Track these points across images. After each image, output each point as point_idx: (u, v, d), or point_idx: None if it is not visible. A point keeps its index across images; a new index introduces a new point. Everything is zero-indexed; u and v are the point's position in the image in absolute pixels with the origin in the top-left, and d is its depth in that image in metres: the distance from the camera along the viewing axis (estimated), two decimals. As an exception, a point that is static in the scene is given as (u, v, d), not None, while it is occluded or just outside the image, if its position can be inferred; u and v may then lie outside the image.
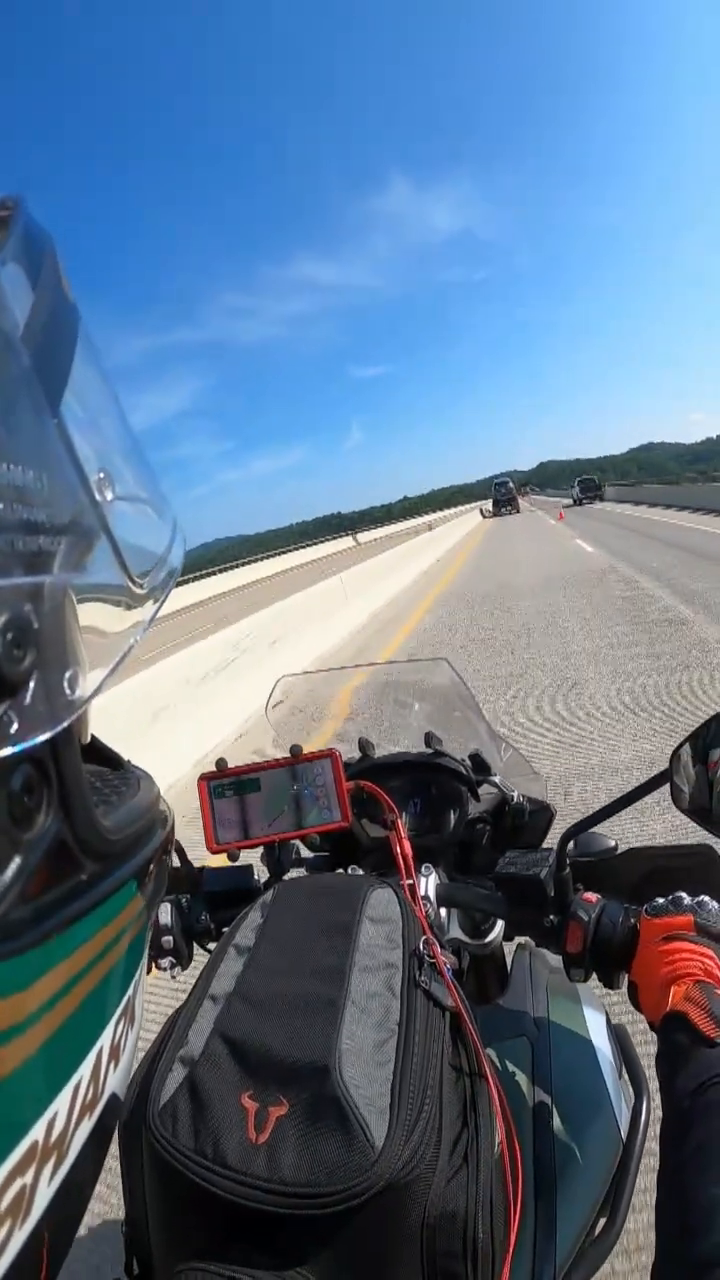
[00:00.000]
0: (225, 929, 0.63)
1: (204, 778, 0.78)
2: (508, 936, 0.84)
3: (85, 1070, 0.30)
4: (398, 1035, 0.47)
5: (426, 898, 0.71)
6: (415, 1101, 0.44)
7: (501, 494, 42.12)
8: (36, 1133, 0.26)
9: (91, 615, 0.29)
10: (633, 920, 0.61)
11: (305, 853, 0.86)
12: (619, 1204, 0.60)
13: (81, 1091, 0.30)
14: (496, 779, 0.90)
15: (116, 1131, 0.49)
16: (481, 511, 42.73)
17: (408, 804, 0.88)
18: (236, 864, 0.79)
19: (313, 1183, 0.41)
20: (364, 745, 0.93)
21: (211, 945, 0.75)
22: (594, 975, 0.64)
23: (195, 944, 0.78)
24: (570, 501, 40.07)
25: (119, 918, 0.32)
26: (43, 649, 0.25)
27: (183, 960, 0.77)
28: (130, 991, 0.34)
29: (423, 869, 0.74)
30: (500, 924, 0.82)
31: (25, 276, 0.28)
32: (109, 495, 0.30)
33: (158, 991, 1.89)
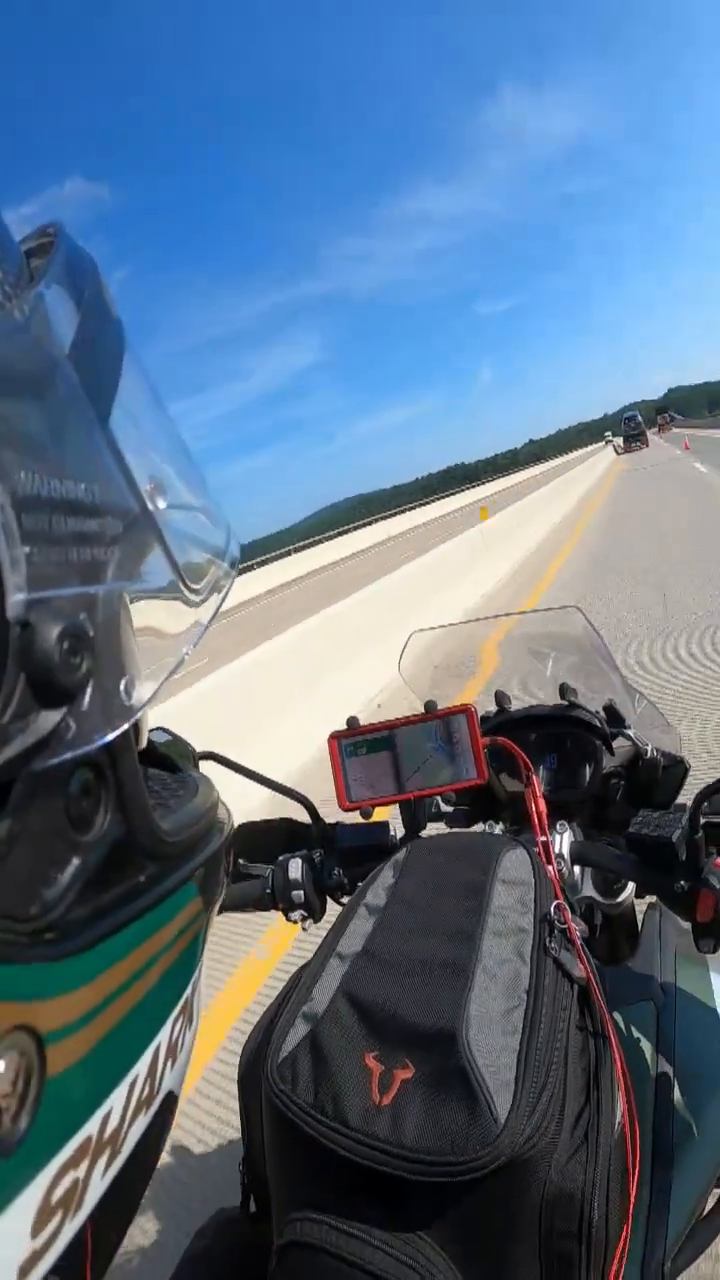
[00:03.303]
0: (360, 884, 0.67)
1: (335, 736, 0.76)
2: (639, 895, 0.87)
3: (142, 1067, 0.30)
4: (526, 1004, 0.47)
5: (560, 856, 0.70)
6: (540, 1075, 0.44)
7: (631, 429, 43.17)
8: (91, 1128, 0.27)
9: (149, 619, 0.31)
10: None
11: (445, 806, 0.87)
12: None
13: (138, 1088, 0.30)
14: (631, 732, 0.89)
15: (237, 1078, 0.55)
16: (615, 448, 44.98)
17: (543, 758, 0.88)
18: (371, 820, 0.79)
19: (436, 1150, 0.41)
20: (500, 698, 0.95)
21: (345, 899, 0.75)
22: None
23: (329, 898, 0.79)
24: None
25: (177, 918, 0.33)
26: (99, 657, 0.25)
27: (315, 914, 0.78)
28: (188, 991, 0.35)
29: (557, 826, 0.73)
30: (633, 884, 0.84)
31: (69, 298, 0.30)
32: (161, 504, 0.31)
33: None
